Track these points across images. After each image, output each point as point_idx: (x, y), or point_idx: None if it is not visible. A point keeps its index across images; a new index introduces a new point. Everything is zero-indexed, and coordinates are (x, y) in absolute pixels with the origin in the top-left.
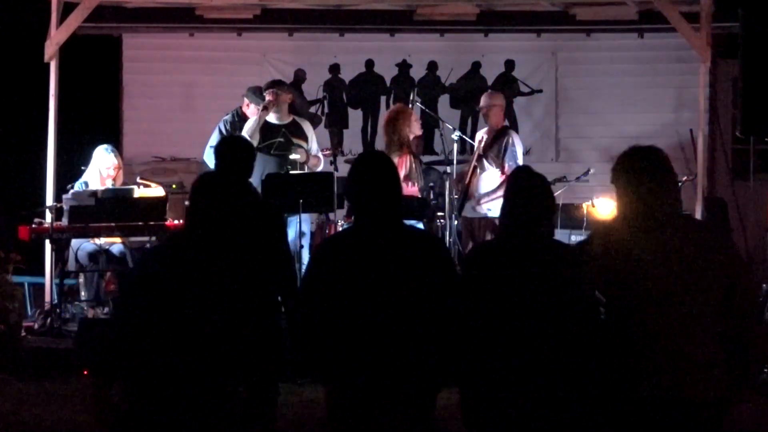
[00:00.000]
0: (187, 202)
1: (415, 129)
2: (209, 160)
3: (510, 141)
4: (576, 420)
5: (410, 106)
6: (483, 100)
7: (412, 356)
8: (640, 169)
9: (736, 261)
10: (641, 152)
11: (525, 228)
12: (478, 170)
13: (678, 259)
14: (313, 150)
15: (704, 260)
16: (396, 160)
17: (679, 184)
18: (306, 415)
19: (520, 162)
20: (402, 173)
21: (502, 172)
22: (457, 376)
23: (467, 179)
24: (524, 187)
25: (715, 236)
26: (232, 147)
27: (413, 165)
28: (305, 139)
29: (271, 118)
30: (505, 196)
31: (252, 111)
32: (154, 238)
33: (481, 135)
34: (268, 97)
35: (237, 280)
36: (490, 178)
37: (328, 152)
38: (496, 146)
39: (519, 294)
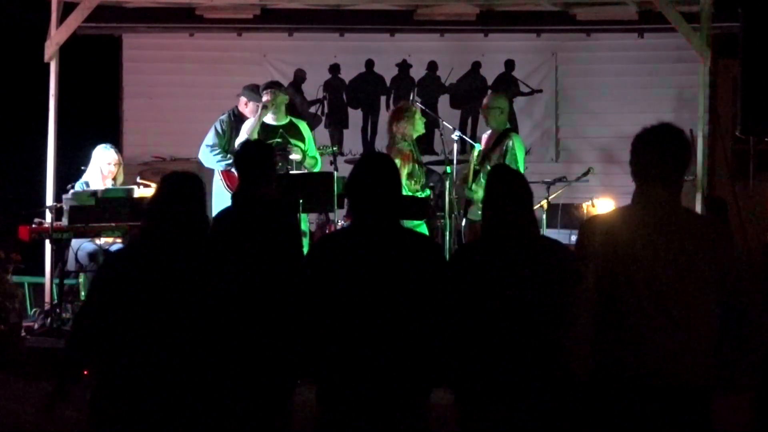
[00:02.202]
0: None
1: (419, 128)
2: (204, 158)
3: (510, 144)
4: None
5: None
6: (484, 101)
7: (404, 357)
8: (654, 152)
9: (732, 252)
10: (658, 135)
11: (506, 227)
12: (481, 174)
13: (671, 249)
14: (310, 152)
15: (699, 252)
16: (399, 157)
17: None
18: (304, 415)
19: (521, 165)
20: (405, 171)
21: None
22: (451, 378)
23: (470, 183)
24: (498, 186)
25: (713, 229)
26: (249, 150)
27: (416, 164)
28: (302, 140)
29: (269, 119)
30: (485, 198)
31: (251, 109)
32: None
33: (485, 137)
34: (265, 98)
35: (215, 284)
36: None
37: (324, 147)
38: (498, 149)
39: (506, 293)
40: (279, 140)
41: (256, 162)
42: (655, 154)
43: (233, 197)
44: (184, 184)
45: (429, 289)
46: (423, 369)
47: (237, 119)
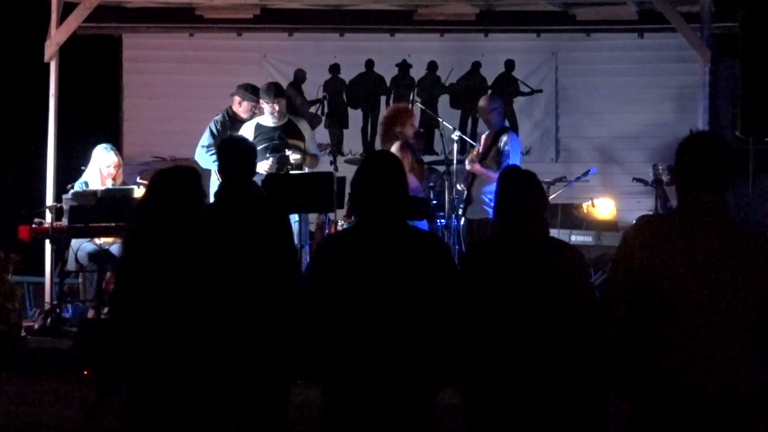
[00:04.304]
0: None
1: (409, 131)
2: (201, 159)
3: (506, 141)
4: (577, 416)
5: (410, 106)
6: (482, 105)
7: (412, 356)
8: (698, 161)
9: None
10: (701, 142)
11: (517, 225)
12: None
13: (714, 257)
14: (310, 149)
15: (742, 260)
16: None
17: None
18: (306, 416)
19: (512, 160)
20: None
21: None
22: (459, 377)
23: (469, 181)
24: (512, 184)
25: (756, 239)
26: (232, 147)
27: (413, 160)
28: (302, 138)
29: (267, 120)
30: (496, 196)
31: (245, 108)
32: None
33: (484, 137)
34: (269, 107)
35: (218, 278)
36: (489, 179)
37: (324, 145)
38: (495, 147)
39: (515, 292)
40: (276, 142)
41: (238, 158)
42: (703, 160)
43: (216, 195)
44: (171, 180)
45: (436, 287)
46: (430, 368)
47: (231, 119)
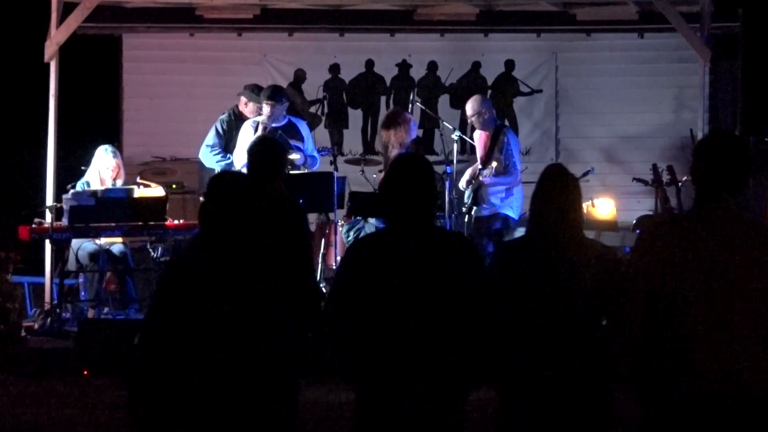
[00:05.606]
0: (201, 198)
1: (405, 138)
2: (205, 158)
3: (506, 140)
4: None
5: (410, 105)
6: (473, 109)
7: (444, 358)
8: (711, 160)
9: None
10: (720, 142)
11: (547, 223)
12: (484, 171)
13: (731, 258)
14: (309, 150)
15: (758, 260)
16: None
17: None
18: (306, 415)
19: (517, 159)
20: None
21: (502, 172)
22: (493, 377)
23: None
24: (547, 183)
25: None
26: (264, 147)
27: None
28: (301, 139)
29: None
30: (533, 194)
31: (251, 109)
32: (154, 238)
33: (480, 135)
34: (266, 108)
35: (261, 281)
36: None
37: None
38: (496, 146)
39: (545, 289)
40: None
41: (270, 158)
42: (722, 160)
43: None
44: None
45: (468, 288)
46: (463, 369)
47: (237, 119)
